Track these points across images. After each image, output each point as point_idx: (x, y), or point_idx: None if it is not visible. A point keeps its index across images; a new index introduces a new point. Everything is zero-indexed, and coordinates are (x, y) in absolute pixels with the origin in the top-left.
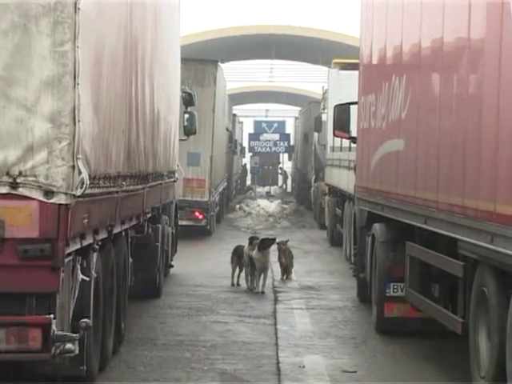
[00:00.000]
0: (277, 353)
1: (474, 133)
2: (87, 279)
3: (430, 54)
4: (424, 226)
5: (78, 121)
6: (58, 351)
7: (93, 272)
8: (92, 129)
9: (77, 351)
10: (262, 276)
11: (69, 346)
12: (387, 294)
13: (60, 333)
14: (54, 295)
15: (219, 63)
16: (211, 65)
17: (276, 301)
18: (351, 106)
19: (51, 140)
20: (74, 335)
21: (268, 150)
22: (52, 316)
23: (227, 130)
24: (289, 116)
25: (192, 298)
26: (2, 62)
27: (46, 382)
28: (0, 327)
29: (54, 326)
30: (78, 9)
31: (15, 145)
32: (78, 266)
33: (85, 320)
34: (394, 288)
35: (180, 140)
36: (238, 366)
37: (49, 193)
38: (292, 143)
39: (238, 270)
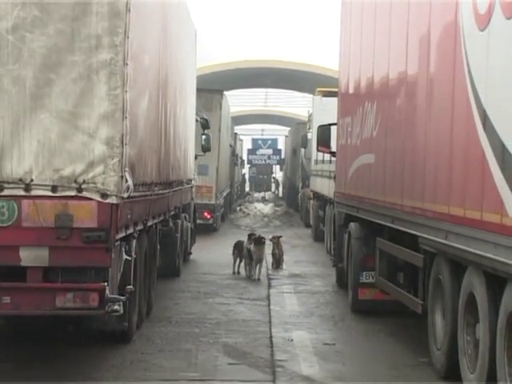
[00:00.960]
0: (270, 329)
1: (432, 149)
2: (129, 258)
3: (396, 85)
4: (391, 225)
5: (126, 144)
6: (110, 310)
7: (133, 254)
8: (135, 149)
9: (122, 311)
10: (258, 266)
11: (116, 306)
12: (360, 281)
13: (111, 296)
14: (107, 269)
15: (224, 92)
16: (218, 94)
17: (269, 286)
18: (331, 127)
19: (106, 158)
20: (122, 297)
21: (263, 162)
22: (106, 284)
23: (230, 146)
24: (280, 134)
25: (201, 284)
26: (72, 101)
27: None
28: (69, 291)
29: (107, 291)
30: (127, 64)
31: (81, 161)
32: (123, 249)
33: (129, 287)
34: (366, 276)
35: (198, 155)
36: (238, 339)
37: (104, 195)
38: (283, 157)
39: (238, 260)
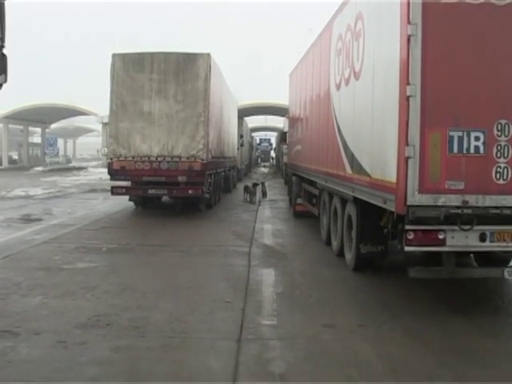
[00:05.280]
0: (254, 223)
1: (321, 145)
2: (211, 181)
3: (309, 115)
4: (308, 177)
5: (209, 144)
6: (205, 195)
7: (212, 179)
8: (212, 145)
9: (209, 197)
10: (254, 196)
11: (207, 195)
12: (296, 202)
13: (205, 190)
14: (204, 182)
15: (244, 117)
16: (241, 118)
17: (259, 205)
18: (287, 132)
19: (203, 149)
20: (208, 191)
21: (265, 148)
22: (203, 187)
23: (249, 142)
24: (272, 136)
25: (228, 205)
26: (192, 131)
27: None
28: (193, 189)
29: (204, 189)
30: (208, 119)
31: (195, 150)
32: (209, 177)
33: (211, 188)
34: (298, 200)
35: (238, 148)
36: (239, 228)
37: (203, 160)
38: (274, 146)
39: (246, 193)
